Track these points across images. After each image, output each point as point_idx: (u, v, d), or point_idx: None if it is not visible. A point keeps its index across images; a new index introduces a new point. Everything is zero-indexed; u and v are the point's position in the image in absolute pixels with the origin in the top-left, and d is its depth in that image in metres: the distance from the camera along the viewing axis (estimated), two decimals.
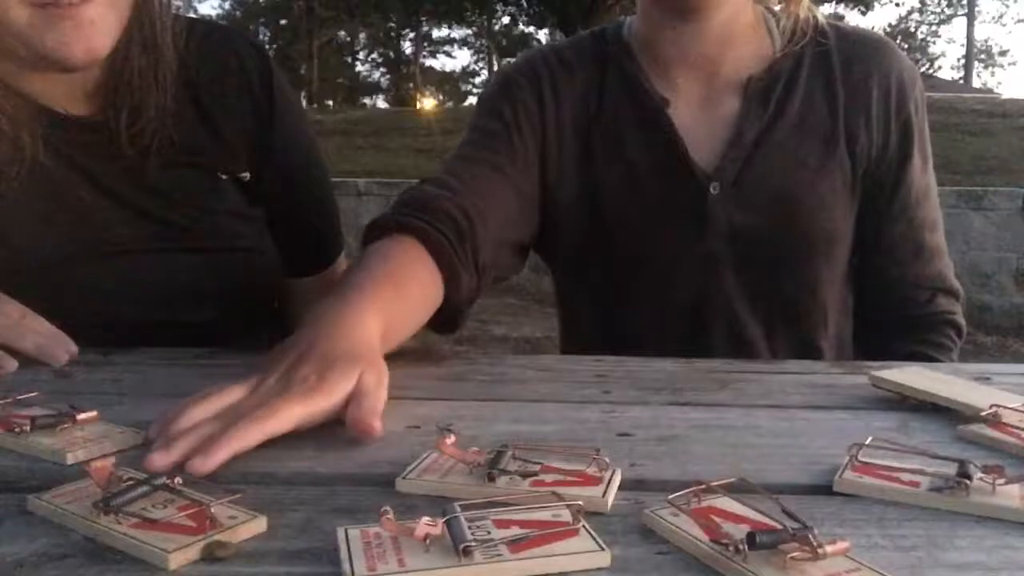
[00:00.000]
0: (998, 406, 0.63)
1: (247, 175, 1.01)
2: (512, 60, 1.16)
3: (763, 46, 1.05)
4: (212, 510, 0.43)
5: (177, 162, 0.95)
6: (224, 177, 1.00)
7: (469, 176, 0.98)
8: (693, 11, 0.99)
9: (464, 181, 0.96)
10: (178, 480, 0.46)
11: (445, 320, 0.89)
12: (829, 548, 0.39)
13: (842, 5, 19.11)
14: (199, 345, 0.88)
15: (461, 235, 0.89)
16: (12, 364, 0.78)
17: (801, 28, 1.04)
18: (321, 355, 0.63)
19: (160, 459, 0.52)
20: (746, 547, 0.40)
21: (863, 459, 0.53)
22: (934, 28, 43.81)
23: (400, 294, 0.78)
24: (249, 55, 1.01)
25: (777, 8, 1.07)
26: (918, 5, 41.52)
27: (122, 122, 0.90)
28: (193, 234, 0.97)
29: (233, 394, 0.61)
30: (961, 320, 1.08)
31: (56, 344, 0.82)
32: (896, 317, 1.07)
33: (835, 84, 1.03)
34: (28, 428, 0.57)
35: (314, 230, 1.11)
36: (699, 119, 1.03)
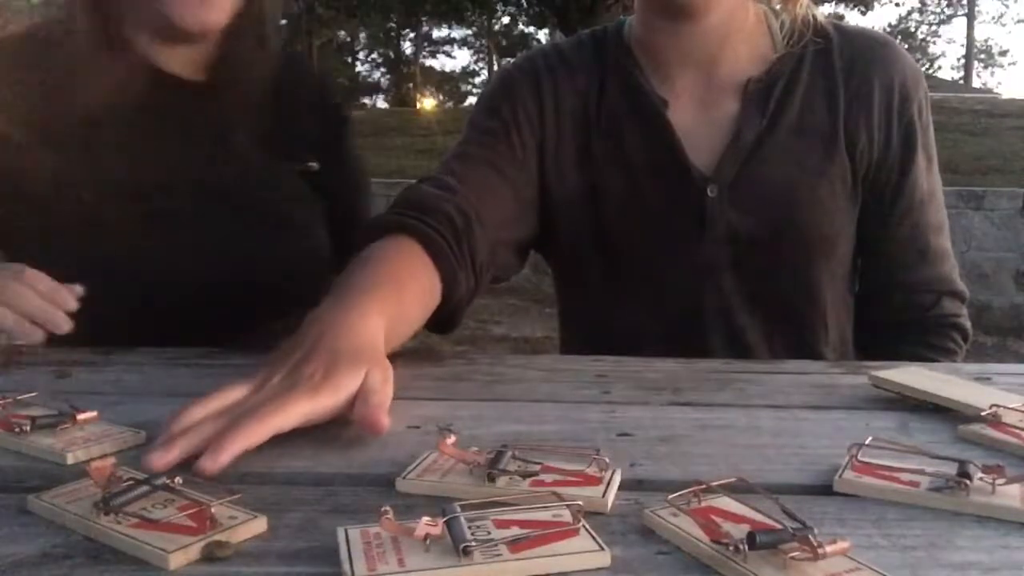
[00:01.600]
0: (998, 406, 0.63)
1: (315, 165, 1.12)
2: (512, 59, 1.16)
3: (763, 46, 1.04)
4: (213, 510, 0.43)
5: (257, 142, 1.06)
6: (293, 167, 1.10)
7: (468, 175, 0.97)
8: (684, 13, 0.99)
9: (463, 180, 0.96)
10: (178, 480, 0.46)
11: (442, 320, 0.88)
12: (829, 548, 0.39)
13: (842, 5, 19.09)
14: (247, 318, 0.93)
15: (458, 235, 0.88)
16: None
17: (800, 28, 1.03)
18: (327, 353, 0.63)
19: (157, 459, 0.52)
20: (746, 547, 0.40)
21: (863, 459, 0.53)
22: (934, 28, 43.84)
23: (401, 295, 0.78)
24: (320, 72, 1.22)
25: (776, 5, 1.06)
26: (918, 5, 41.55)
27: (223, 92, 1.04)
28: (259, 210, 1.06)
29: (236, 392, 0.60)
30: (966, 323, 1.07)
31: (57, 295, 0.86)
32: (900, 320, 1.06)
33: (836, 85, 1.02)
34: (28, 428, 0.57)
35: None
36: (698, 120, 1.02)
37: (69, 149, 0.95)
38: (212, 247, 1.02)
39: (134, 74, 0.97)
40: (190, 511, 0.44)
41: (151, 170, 0.99)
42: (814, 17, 1.04)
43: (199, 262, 1.01)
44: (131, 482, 0.46)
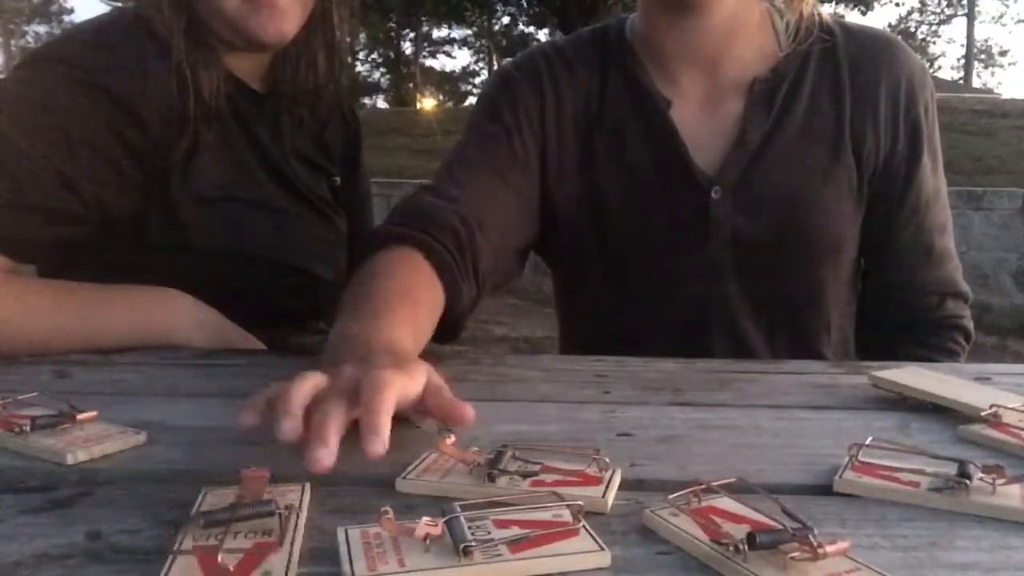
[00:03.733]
0: (998, 406, 0.63)
1: (338, 180, 1.18)
2: (511, 59, 1.14)
3: (768, 45, 1.02)
4: (220, 558, 0.40)
5: (300, 153, 1.12)
6: (322, 179, 1.16)
7: (469, 183, 0.96)
8: (689, 9, 0.97)
9: (464, 188, 0.95)
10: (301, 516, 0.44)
11: (445, 330, 0.87)
12: (829, 548, 0.39)
13: (842, 5, 19.07)
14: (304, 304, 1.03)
15: (462, 247, 0.88)
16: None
17: (806, 27, 1.01)
18: (386, 353, 0.61)
19: (323, 458, 0.48)
20: (746, 547, 0.40)
21: (863, 459, 0.53)
22: (934, 28, 43.78)
23: (416, 311, 0.77)
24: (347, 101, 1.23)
25: (779, 3, 1.05)
26: (918, 5, 41.51)
27: (283, 102, 1.10)
28: (315, 208, 1.13)
29: (317, 379, 0.57)
30: (969, 324, 1.07)
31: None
32: (904, 321, 1.06)
33: (842, 85, 1.00)
34: (28, 428, 0.57)
35: None
36: (702, 121, 1.01)
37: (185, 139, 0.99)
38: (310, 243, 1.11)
39: (219, 87, 1.01)
40: (250, 552, 0.41)
41: (229, 179, 1.04)
42: (819, 15, 1.02)
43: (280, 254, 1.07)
44: (248, 503, 0.44)
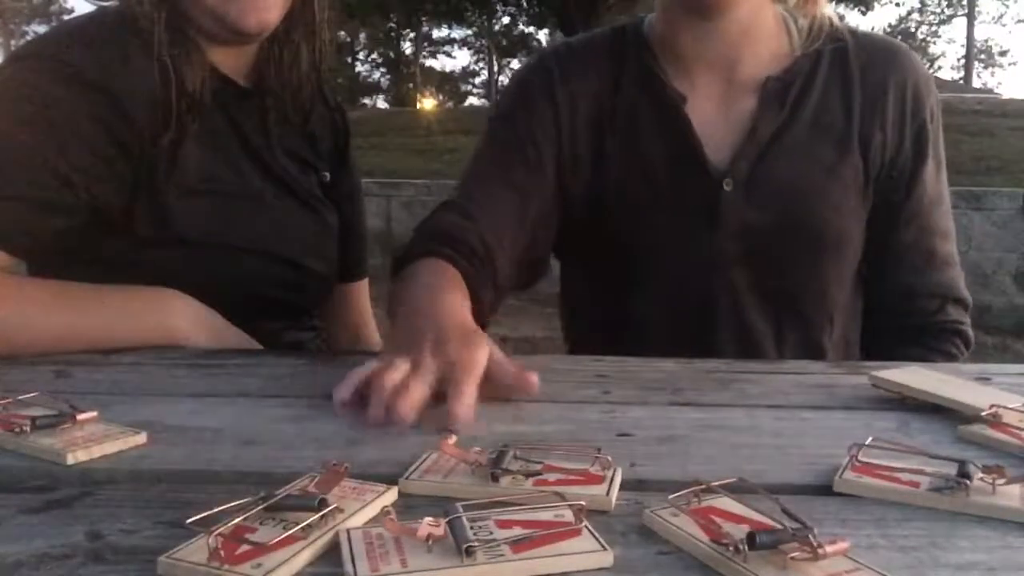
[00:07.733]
0: (998, 406, 0.63)
1: (327, 176, 1.18)
2: (527, 60, 1.17)
3: (782, 46, 1.05)
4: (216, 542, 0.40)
5: (287, 148, 1.11)
6: (311, 175, 1.16)
7: (487, 199, 1.01)
8: (711, 9, 1.00)
9: (482, 206, 1.00)
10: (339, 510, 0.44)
11: None
12: (829, 548, 0.39)
13: (842, 5, 19.04)
14: (298, 296, 1.07)
15: (481, 261, 0.93)
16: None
17: (818, 27, 1.04)
18: (456, 336, 0.69)
19: (403, 406, 0.60)
20: (746, 547, 0.40)
21: (863, 459, 0.53)
22: (934, 28, 43.77)
23: (465, 299, 0.84)
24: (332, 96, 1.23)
25: (792, 3, 1.07)
26: (918, 5, 41.51)
27: (269, 98, 1.09)
28: (304, 202, 1.12)
29: (404, 367, 0.65)
30: (969, 330, 1.08)
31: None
32: (904, 325, 1.07)
33: (852, 87, 1.03)
34: (28, 428, 0.57)
35: (356, 244, 1.26)
36: (715, 117, 1.03)
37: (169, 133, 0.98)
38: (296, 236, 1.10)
39: (202, 79, 1.00)
40: (279, 539, 0.41)
41: (217, 171, 1.03)
42: (830, 19, 1.05)
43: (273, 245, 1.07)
44: (297, 493, 0.45)
